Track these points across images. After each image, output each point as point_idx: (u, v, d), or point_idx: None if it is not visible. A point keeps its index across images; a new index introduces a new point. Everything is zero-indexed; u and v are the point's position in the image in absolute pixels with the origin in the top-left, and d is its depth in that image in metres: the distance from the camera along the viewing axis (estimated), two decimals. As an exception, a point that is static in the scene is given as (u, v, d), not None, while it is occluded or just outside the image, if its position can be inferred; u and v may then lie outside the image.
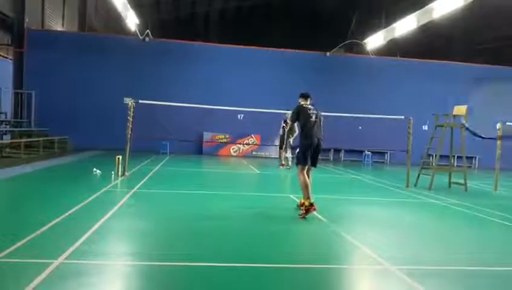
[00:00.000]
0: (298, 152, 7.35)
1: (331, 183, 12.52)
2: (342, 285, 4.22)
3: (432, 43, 23.06)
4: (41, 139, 15.81)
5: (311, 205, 6.89)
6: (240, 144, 21.01)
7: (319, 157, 7.36)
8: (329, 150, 21.79)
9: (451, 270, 4.69)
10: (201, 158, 19.13)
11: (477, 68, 22.77)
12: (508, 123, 12.64)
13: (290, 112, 14.44)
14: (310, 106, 7.39)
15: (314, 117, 7.22)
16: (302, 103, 7.51)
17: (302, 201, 7.09)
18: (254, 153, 21.16)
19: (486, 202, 9.71)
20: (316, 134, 7.16)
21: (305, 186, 7.02)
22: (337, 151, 21.88)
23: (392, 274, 4.39)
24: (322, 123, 7.44)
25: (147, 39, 20.55)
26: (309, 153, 7.13)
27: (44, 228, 5.21)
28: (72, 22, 23.38)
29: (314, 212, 7.00)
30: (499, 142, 12.23)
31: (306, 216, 6.83)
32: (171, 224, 6.12)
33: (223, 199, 8.55)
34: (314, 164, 7.30)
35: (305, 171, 7.14)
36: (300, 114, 7.32)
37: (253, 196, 9.44)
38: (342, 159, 21.81)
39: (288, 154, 15.33)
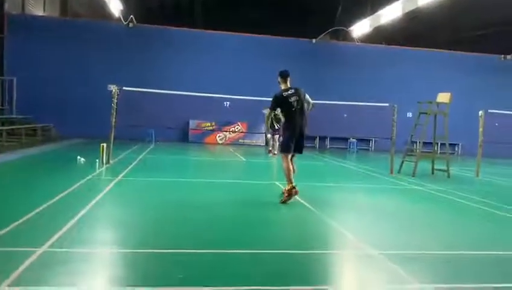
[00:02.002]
0: (282, 140, 7.37)
1: (316, 171, 12.61)
2: (325, 269, 4.28)
3: (417, 30, 23.18)
4: (23, 126, 15.57)
5: (293, 187, 6.92)
6: (226, 131, 20.98)
7: (304, 144, 7.29)
8: (314, 137, 21.89)
9: (432, 254, 4.79)
10: (187, 146, 19.07)
11: (461, 56, 23.02)
12: (490, 111, 12.83)
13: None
14: (289, 92, 7.14)
15: (295, 104, 7.05)
16: (282, 86, 7.29)
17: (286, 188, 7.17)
18: (240, 140, 21.17)
19: (467, 188, 9.90)
20: (298, 122, 7.08)
21: (288, 172, 7.04)
22: (322, 138, 21.99)
23: (375, 259, 4.47)
24: (305, 97, 7.27)
25: (130, 25, 20.26)
26: (292, 142, 7.09)
27: (27, 217, 5.15)
28: (53, 6, 22.86)
29: (300, 199, 7.07)
30: (481, 129, 12.43)
31: (288, 201, 6.89)
32: (155, 212, 6.11)
33: (208, 187, 8.56)
34: (300, 151, 7.26)
35: (289, 158, 7.16)
36: (280, 105, 7.17)
37: (238, 183, 9.47)
38: (328, 146, 21.95)
39: (269, 136, 15.33)
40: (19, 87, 18.85)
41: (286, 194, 6.94)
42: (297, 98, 7.12)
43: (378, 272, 4.18)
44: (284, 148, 7.24)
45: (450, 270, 4.30)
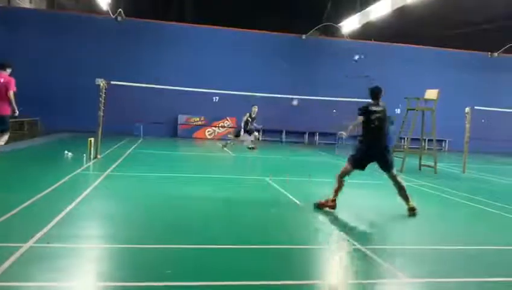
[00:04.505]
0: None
1: (305, 166, 12.65)
2: (314, 264, 4.30)
3: (406, 27, 23.29)
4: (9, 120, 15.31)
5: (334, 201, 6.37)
6: (215, 126, 20.92)
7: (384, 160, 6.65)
8: (304, 133, 21.97)
9: (419, 249, 4.85)
10: (176, 141, 18.99)
11: (449, 52, 23.23)
12: (476, 107, 12.97)
13: (255, 108, 14.70)
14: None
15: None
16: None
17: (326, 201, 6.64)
18: (229, 135, 21.09)
19: (454, 184, 10.02)
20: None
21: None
22: (311, 134, 22.05)
23: (363, 254, 4.49)
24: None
25: (119, 18, 20.04)
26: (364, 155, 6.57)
27: (13, 212, 5.09)
28: (40, -1, 22.56)
29: (289, 194, 7.10)
30: (467, 125, 12.56)
31: (321, 207, 6.40)
32: (144, 207, 6.07)
33: (197, 182, 8.53)
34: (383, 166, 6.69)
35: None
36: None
37: (227, 178, 9.43)
38: (317, 142, 22.01)
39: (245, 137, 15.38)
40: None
41: (324, 202, 6.43)
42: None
43: (366, 267, 4.21)
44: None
45: (437, 265, 4.35)
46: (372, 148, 6.54)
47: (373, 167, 6.78)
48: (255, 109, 14.88)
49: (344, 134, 6.88)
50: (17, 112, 9.31)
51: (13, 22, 18.91)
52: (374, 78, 18.36)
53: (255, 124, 15.10)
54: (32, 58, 19.12)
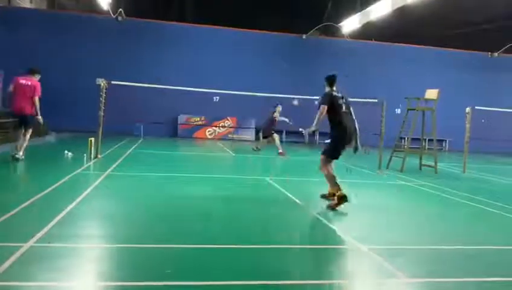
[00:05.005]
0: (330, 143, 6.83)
1: (305, 166, 12.64)
2: (315, 264, 4.30)
3: (406, 27, 23.29)
4: (10, 120, 15.33)
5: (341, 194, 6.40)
6: (215, 126, 20.92)
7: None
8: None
9: (419, 249, 4.85)
10: (176, 141, 18.99)
11: (450, 52, 23.24)
12: (477, 107, 12.97)
13: (279, 107, 14.55)
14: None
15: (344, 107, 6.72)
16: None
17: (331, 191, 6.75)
18: (230, 135, 21.14)
19: (454, 184, 10.02)
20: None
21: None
22: (312, 134, 22.02)
23: (363, 253, 4.50)
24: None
25: (119, 18, 20.05)
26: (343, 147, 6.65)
27: (13, 211, 5.09)
28: (40, -1, 22.58)
29: (289, 194, 7.09)
30: (468, 125, 12.56)
31: (337, 208, 6.40)
32: (143, 207, 6.08)
33: (198, 182, 8.54)
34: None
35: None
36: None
37: (228, 178, 9.44)
38: (317, 142, 22.00)
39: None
40: (6, 81, 18.54)
41: (336, 202, 6.45)
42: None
43: (366, 266, 4.22)
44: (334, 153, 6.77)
45: (437, 264, 4.35)
46: (349, 134, 6.65)
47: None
48: (280, 108, 14.56)
49: (309, 131, 6.97)
50: (40, 118, 9.50)
51: (13, 22, 18.93)
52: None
53: (282, 118, 14.80)
54: (32, 58, 19.12)
